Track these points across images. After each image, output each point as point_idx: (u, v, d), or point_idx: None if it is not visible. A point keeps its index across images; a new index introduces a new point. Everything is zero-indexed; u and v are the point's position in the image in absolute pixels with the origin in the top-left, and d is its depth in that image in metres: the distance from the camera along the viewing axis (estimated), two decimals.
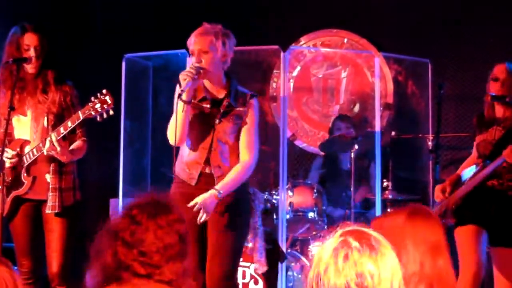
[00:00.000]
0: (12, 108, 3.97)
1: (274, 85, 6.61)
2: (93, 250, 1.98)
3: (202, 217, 3.68)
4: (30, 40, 4.09)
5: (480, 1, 6.26)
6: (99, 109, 3.90)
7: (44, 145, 3.98)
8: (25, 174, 4.11)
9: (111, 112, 3.95)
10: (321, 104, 6.63)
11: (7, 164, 4.06)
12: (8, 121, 3.97)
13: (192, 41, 3.82)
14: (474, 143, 4.43)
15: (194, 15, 6.79)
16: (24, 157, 4.09)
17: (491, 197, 4.18)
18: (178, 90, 3.90)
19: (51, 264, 4.07)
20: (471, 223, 4.16)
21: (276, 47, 5.61)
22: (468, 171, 4.37)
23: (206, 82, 3.90)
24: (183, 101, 3.74)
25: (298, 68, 6.65)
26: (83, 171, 4.50)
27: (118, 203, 5.77)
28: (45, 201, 4.09)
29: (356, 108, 6.55)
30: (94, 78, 5.98)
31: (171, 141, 3.84)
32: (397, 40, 6.31)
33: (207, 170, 3.86)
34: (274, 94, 6.61)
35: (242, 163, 3.86)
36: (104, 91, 3.93)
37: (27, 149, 4.10)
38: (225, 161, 3.88)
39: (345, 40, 6.58)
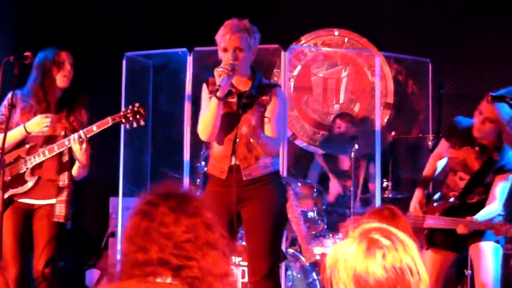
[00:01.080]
0: (12, 106, 3.98)
1: None
2: (124, 246, 1.87)
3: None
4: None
5: (480, 1, 6.26)
6: (130, 118, 4.00)
7: (60, 147, 4.02)
8: (29, 173, 4.10)
9: (142, 123, 4.04)
10: (321, 103, 6.63)
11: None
12: (9, 119, 3.98)
13: (227, 39, 3.80)
14: (442, 146, 4.37)
15: (194, 15, 6.82)
16: (32, 156, 4.09)
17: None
18: (204, 88, 3.92)
19: (37, 270, 4.04)
20: (441, 248, 4.21)
21: (276, 46, 5.61)
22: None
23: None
24: (217, 97, 3.75)
25: (299, 67, 6.65)
26: None
27: (118, 202, 5.78)
28: (38, 207, 4.09)
29: (356, 108, 6.55)
30: (95, 77, 5.98)
31: (203, 137, 3.89)
32: (398, 40, 6.32)
33: (236, 162, 3.85)
34: None
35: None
36: (137, 104, 4.02)
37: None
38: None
39: (346, 39, 6.58)
